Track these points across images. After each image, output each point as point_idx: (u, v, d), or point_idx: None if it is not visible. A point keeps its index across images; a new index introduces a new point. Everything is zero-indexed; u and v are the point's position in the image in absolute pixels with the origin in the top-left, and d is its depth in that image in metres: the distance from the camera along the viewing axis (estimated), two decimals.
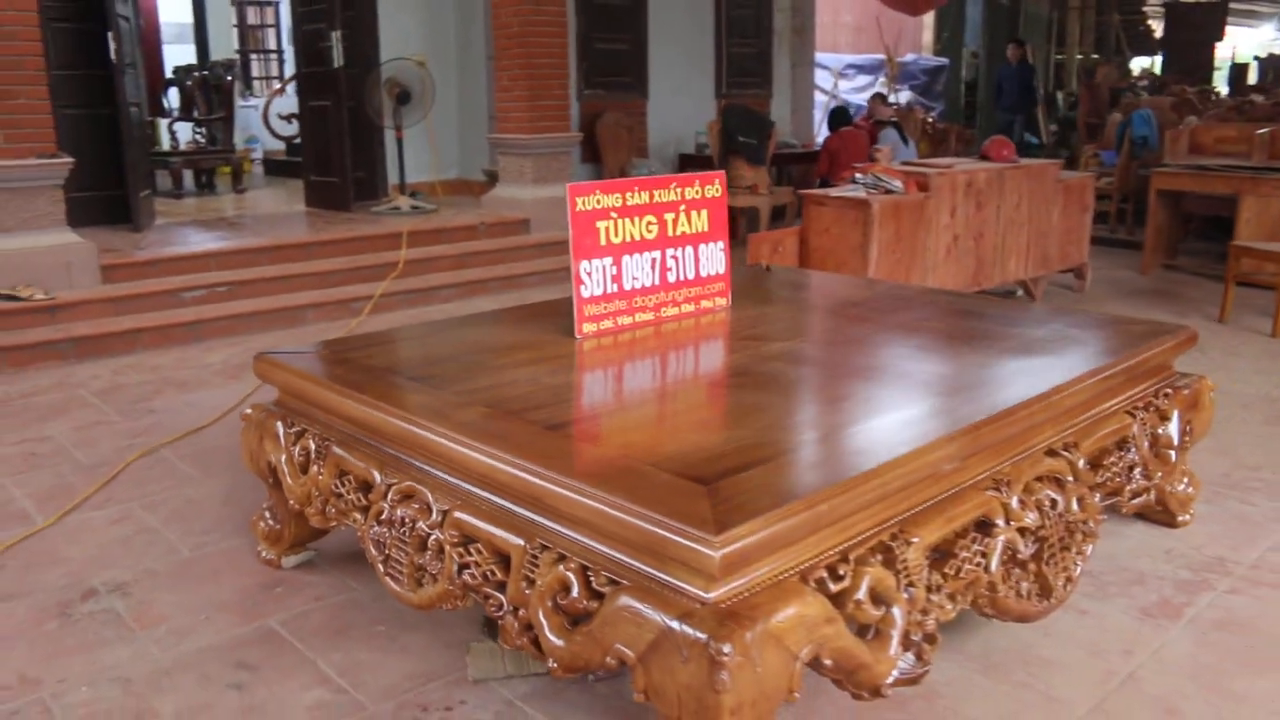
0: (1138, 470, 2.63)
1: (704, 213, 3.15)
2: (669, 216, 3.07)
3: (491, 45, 8.05)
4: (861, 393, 2.40)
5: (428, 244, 7.12)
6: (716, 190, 3.19)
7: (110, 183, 7.03)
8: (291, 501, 2.63)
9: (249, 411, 2.82)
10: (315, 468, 2.54)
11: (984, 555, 2.10)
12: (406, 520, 2.21)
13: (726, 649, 1.57)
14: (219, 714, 2.21)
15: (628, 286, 2.98)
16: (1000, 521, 2.13)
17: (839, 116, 8.49)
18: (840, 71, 14.08)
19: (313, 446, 2.56)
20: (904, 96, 13.32)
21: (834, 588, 1.79)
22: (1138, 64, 19.55)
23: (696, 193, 3.13)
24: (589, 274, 2.90)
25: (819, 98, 12.48)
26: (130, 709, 2.23)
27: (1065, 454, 2.36)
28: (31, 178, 5.38)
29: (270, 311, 5.94)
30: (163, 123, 9.91)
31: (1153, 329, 2.89)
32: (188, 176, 9.78)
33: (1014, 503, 2.18)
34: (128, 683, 2.33)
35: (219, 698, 2.27)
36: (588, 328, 2.90)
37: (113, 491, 3.46)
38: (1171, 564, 2.80)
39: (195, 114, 9.80)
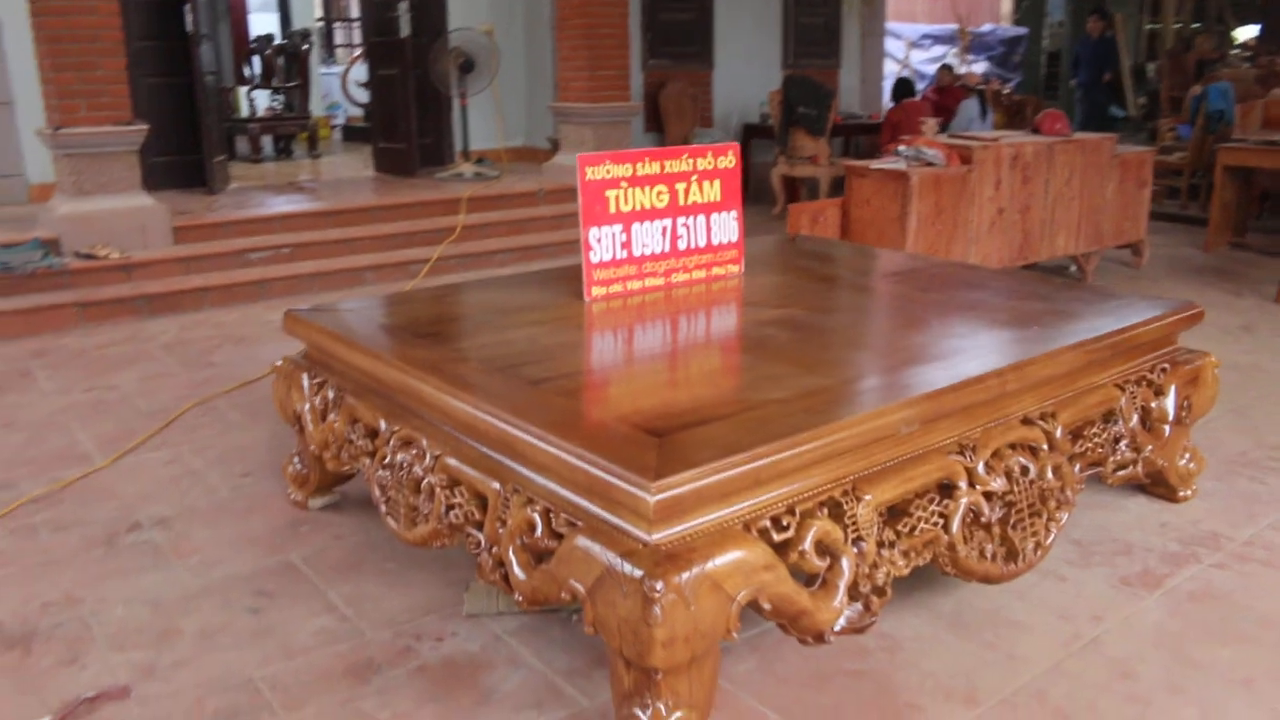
0: (1124, 443, 2.66)
1: (716, 183, 3.25)
2: (680, 186, 3.17)
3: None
4: (839, 358, 2.49)
5: (487, 210, 7.31)
6: (730, 161, 3.28)
7: (188, 148, 7.36)
8: (312, 446, 2.83)
9: (279, 363, 3.03)
10: (332, 415, 2.73)
11: (943, 516, 2.19)
12: (404, 464, 2.38)
13: (659, 586, 1.71)
14: (234, 634, 2.42)
15: (637, 253, 3.10)
16: (963, 484, 2.21)
17: (902, 88, 8.41)
18: (915, 41, 13.85)
19: (330, 396, 2.75)
20: (979, 67, 13.05)
21: (777, 537, 1.91)
22: (1245, 33, 18.70)
23: (709, 163, 3.22)
24: (598, 240, 3.02)
25: (891, 68, 12.31)
26: (157, 627, 2.46)
27: (1041, 423, 2.42)
28: (109, 144, 5.70)
29: (331, 273, 6.20)
30: (243, 90, 10.28)
31: (1155, 305, 2.90)
32: (268, 142, 10.17)
33: (980, 468, 2.25)
34: (158, 604, 2.56)
35: (236, 620, 2.49)
36: (596, 291, 3.03)
37: (167, 436, 3.72)
38: (1163, 537, 2.83)
39: (274, 82, 10.15)
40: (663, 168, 3.12)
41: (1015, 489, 2.32)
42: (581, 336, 2.73)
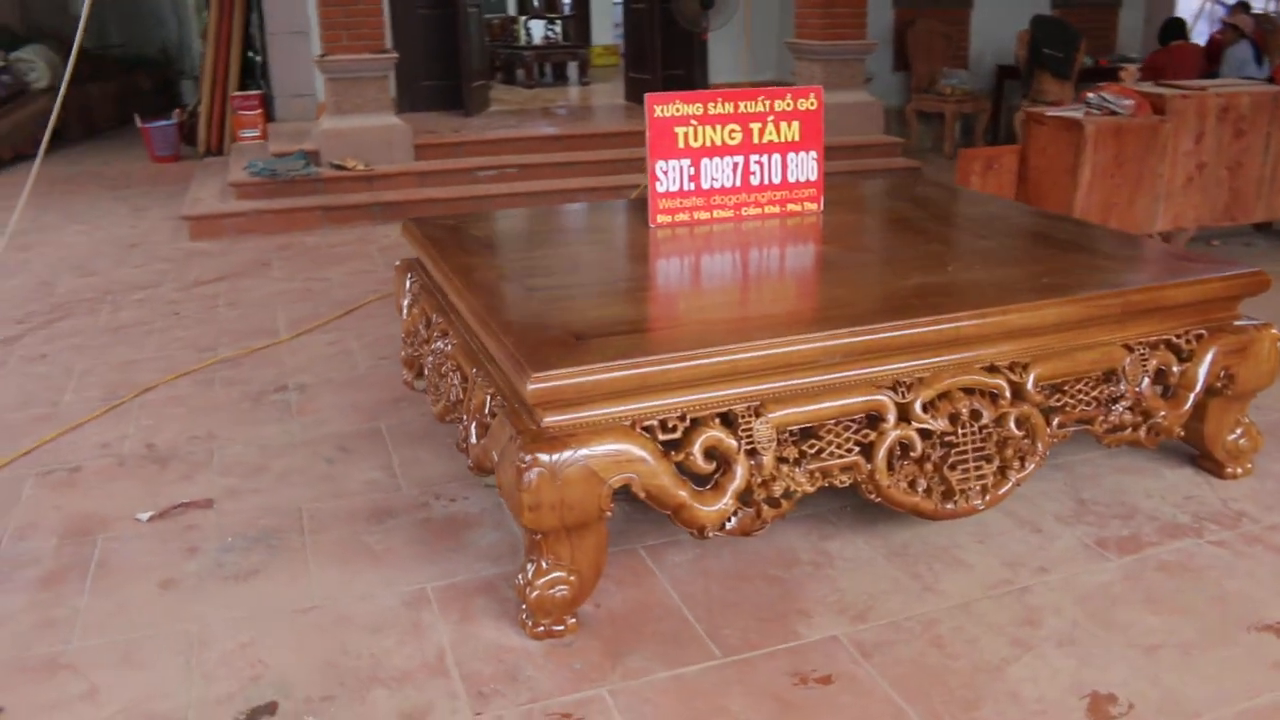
0: (1122, 404, 2.60)
1: (795, 124, 3.39)
2: (755, 126, 3.34)
3: None
4: (820, 292, 2.63)
5: None
6: (811, 104, 3.40)
7: (452, 73, 8.20)
8: (403, 334, 3.35)
9: (398, 263, 3.57)
10: (415, 309, 3.23)
11: (861, 445, 2.33)
12: (440, 352, 2.83)
13: (527, 459, 2.04)
14: (306, 476, 3.01)
15: (706, 186, 3.33)
16: (890, 418, 2.33)
17: (1171, 29, 7.70)
18: None
19: (416, 293, 3.25)
20: None
21: (663, 438, 2.16)
22: None
23: (788, 105, 3.36)
24: (665, 172, 3.28)
25: (1196, 4, 11.08)
26: (255, 463, 3.10)
27: (1008, 372, 2.45)
28: (364, 70, 6.55)
29: (548, 192, 6.77)
30: (524, 20, 11.12)
31: (1205, 268, 2.74)
32: (551, 69, 10.93)
33: (918, 405, 2.35)
34: (265, 448, 3.21)
35: (313, 466, 3.07)
36: (661, 219, 3.30)
37: (342, 322, 4.42)
38: (1180, 508, 2.73)
39: (549, 12, 10.90)
40: (736, 108, 3.31)
41: (960, 431, 2.40)
42: (612, 256, 3.03)
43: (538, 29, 10.86)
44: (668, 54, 8.72)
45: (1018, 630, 2.22)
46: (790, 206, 3.44)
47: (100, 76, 10.25)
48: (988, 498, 2.48)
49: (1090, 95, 4.92)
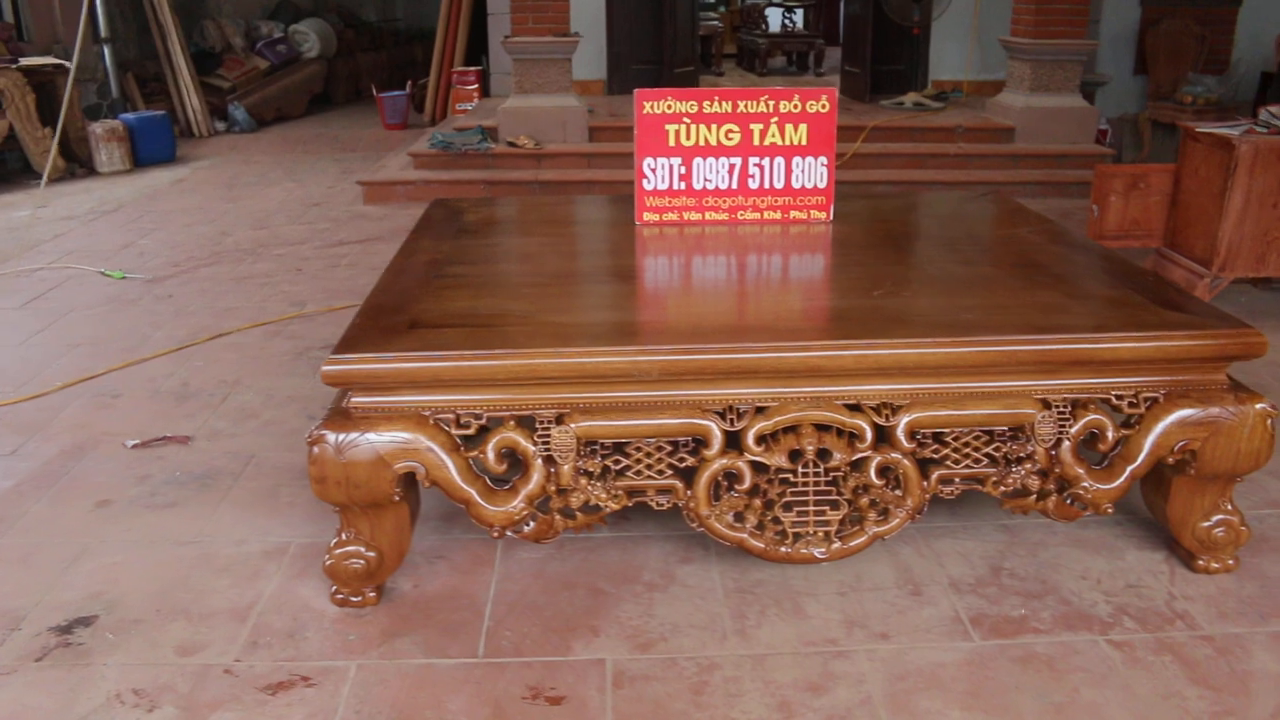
0: (1026, 466, 2.29)
1: (803, 127, 3.21)
2: (755, 127, 3.20)
3: None
4: (706, 305, 2.51)
5: (895, 140, 7.25)
6: (823, 106, 3.21)
7: (661, 58, 8.33)
8: None
9: None
10: None
11: (679, 470, 2.23)
12: None
13: (315, 434, 2.14)
14: (283, 427, 3.27)
15: (698, 186, 3.24)
16: (715, 446, 2.21)
17: None
18: None
19: None
20: None
21: (457, 432, 2.19)
22: None
23: (794, 107, 3.19)
24: (653, 170, 3.24)
25: None
26: (250, 411, 3.40)
27: (873, 413, 2.24)
28: (546, 52, 6.82)
29: None
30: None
31: (1193, 324, 2.30)
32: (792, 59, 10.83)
33: (750, 436, 2.21)
34: (269, 398, 3.51)
35: (293, 419, 3.33)
36: (648, 216, 3.26)
37: None
38: (1107, 597, 2.37)
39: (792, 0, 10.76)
40: (735, 107, 3.19)
41: (800, 471, 2.23)
42: (563, 247, 3.03)
43: (775, 17, 10.75)
44: (879, 48, 8.39)
45: (794, 694, 2.04)
46: (794, 214, 3.27)
47: (374, 48, 11.33)
48: (833, 546, 2.28)
49: (1263, 111, 4.24)
